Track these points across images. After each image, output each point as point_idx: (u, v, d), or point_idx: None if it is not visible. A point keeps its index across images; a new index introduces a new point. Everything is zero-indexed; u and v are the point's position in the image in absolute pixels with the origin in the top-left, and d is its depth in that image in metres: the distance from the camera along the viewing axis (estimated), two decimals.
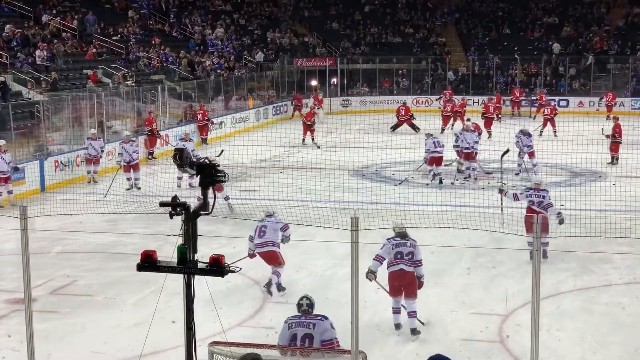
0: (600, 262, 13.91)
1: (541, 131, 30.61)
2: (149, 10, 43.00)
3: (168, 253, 6.41)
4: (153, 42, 38.92)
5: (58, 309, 11.99)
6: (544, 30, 47.68)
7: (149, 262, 5.75)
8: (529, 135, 22.41)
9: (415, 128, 33.98)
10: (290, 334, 8.16)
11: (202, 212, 5.83)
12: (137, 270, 5.78)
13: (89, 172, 22.44)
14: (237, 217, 15.19)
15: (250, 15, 49.98)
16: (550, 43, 45.87)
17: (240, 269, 5.90)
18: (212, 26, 45.41)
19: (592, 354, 10.09)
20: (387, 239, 10.88)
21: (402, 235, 10.83)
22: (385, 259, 10.73)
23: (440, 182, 21.25)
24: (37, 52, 30.03)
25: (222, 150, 18.07)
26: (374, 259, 10.67)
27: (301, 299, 8.58)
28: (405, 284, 10.69)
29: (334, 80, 44.92)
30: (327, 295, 12.30)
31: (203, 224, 6.22)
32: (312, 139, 29.26)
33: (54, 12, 35.81)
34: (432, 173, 21.62)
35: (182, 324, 5.77)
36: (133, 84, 31.08)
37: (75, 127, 24.53)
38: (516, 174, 22.15)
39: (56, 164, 21.84)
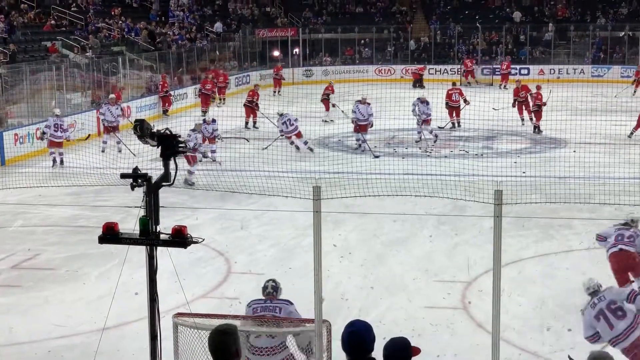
0: (561, 228, 14.08)
1: (634, 91, 31.15)
2: None
3: (131, 226, 6.38)
4: (113, 13, 38.40)
5: (20, 283, 11.89)
6: None
7: (110, 234, 5.68)
8: (427, 103, 22.41)
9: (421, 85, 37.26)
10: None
11: (163, 184, 5.77)
12: (99, 242, 5.71)
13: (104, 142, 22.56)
14: (199, 188, 15.13)
15: None
16: (511, 11, 45.97)
17: (203, 239, 5.85)
18: None
19: (553, 319, 10.23)
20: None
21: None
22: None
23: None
24: None
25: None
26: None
27: (267, 281, 8.20)
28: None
29: (296, 50, 44.75)
30: (290, 265, 12.36)
31: (166, 196, 6.18)
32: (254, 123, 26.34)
33: None
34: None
35: (145, 296, 5.75)
36: (93, 56, 30.67)
37: (35, 99, 24.14)
38: (416, 142, 22.42)
39: (16, 138, 21.55)
